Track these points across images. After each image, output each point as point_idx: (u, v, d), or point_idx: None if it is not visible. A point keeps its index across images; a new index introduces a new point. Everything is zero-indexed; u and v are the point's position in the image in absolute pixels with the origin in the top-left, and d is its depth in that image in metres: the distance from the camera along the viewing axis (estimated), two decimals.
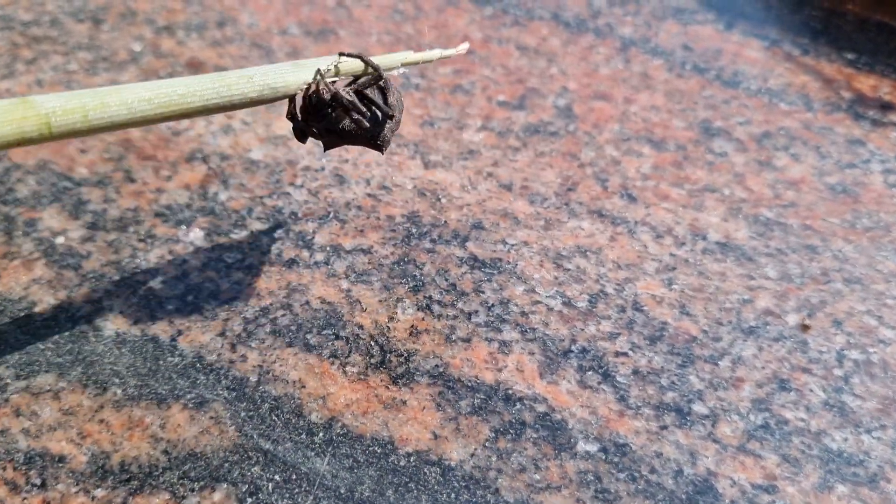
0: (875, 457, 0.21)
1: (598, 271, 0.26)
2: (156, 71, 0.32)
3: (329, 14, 0.35)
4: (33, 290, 0.25)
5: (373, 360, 0.23)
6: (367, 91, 0.21)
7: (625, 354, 0.23)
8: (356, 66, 0.22)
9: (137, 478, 0.21)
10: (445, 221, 0.27)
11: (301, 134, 0.22)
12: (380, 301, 0.25)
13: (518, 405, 0.22)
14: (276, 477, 0.21)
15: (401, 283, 0.25)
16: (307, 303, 0.24)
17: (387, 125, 0.21)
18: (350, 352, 0.23)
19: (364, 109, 0.21)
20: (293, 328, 0.24)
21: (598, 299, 0.25)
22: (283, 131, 0.30)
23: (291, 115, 0.21)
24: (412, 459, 0.21)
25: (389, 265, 0.26)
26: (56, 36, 0.33)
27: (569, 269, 0.26)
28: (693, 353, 0.24)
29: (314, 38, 0.34)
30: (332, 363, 0.23)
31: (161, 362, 0.23)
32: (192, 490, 0.20)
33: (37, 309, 0.24)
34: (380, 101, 0.21)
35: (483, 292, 0.25)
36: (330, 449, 0.21)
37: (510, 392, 0.23)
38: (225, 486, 0.21)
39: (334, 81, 0.21)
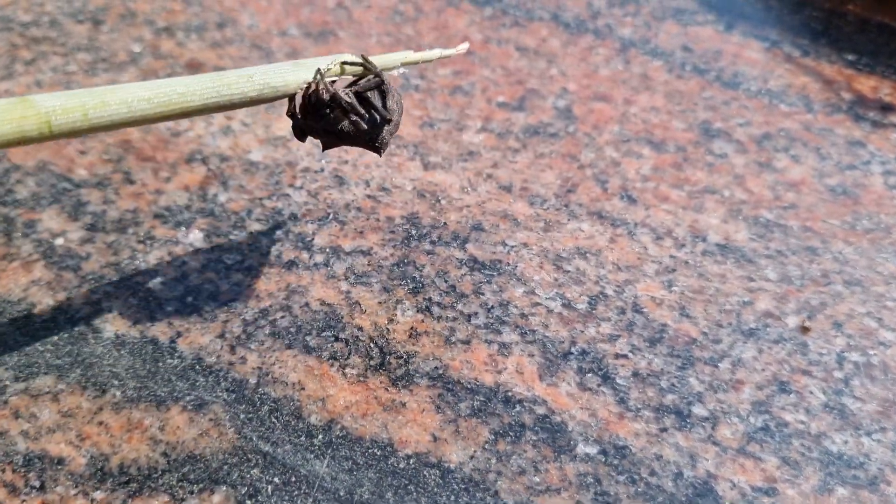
0: (875, 459, 0.21)
1: (597, 273, 0.26)
2: (155, 72, 0.32)
3: (329, 15, 0.35)
4: (32, 291, 0.24)
5: (372, 362, 0.23)
6: (367, 94, 0.21)
7: (624, 356, 0.23)
8: (357, 66, 0.22)
9: (136, 480, 0.21)
10: (445, 223, 0.27)
11: (300, 133, 0.22)
12: (379, 303, 0.25)
13: (518, 407, 0.22)
14: (276, 479, 0.21)
15: (400, 284, 0.25)
16: (307, 304, 0.24)
17: (385, 128, 0.21)
18: (349, 354, 0.23)
19: (362, 111, 0.21)
20: (293, 330, 0.24)
21: (597, 301, 0.25)
22: (283, 132, 0.30)
23: (291, 114, 0.22)
24: (412, 462, 0.21)
25: (389, 267, 0.26)
26: (55, 37, 0.33)
27: (568, 271, 0.26)
28: (693, 355, 0.24)
29: (314, 40, 0.34)
30: (332, 365, 0.23)
31: (160, 364, 0.23)
32: (192, 492, 0.20)
33: (36, 310, 0.24)
34: (379, 104, 0.21)
35: (483, 294, 0.25)
36: (329, 451, 0.21)
37: (510, 394, 0.23)
38: (224, 488, 0.21)
39: (334, 82, 0.21)
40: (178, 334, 0.24)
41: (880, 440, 0.22)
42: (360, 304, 0.25)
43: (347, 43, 0.33)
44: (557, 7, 0.36)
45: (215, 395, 0.22)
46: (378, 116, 0.21)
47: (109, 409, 0.22)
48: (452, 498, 0.20)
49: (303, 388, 0.22)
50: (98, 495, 0.20)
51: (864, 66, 0.33)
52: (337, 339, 0.24)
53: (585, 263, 0.26)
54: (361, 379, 0.23)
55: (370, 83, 0.21)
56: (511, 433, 0.22)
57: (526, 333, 0.24)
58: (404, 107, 0.31)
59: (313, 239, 0.26)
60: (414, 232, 0.27)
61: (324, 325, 0.24)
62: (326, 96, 0.21)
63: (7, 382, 0.22)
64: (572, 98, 0.31)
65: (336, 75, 0.21)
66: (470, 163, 0.29)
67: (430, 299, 0.25)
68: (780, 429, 0.22)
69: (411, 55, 0.23)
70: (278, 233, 0.26)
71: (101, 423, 0.22)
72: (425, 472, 0.21)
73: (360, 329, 0.24)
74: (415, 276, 0.25)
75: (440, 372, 0.23)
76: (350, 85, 0.21)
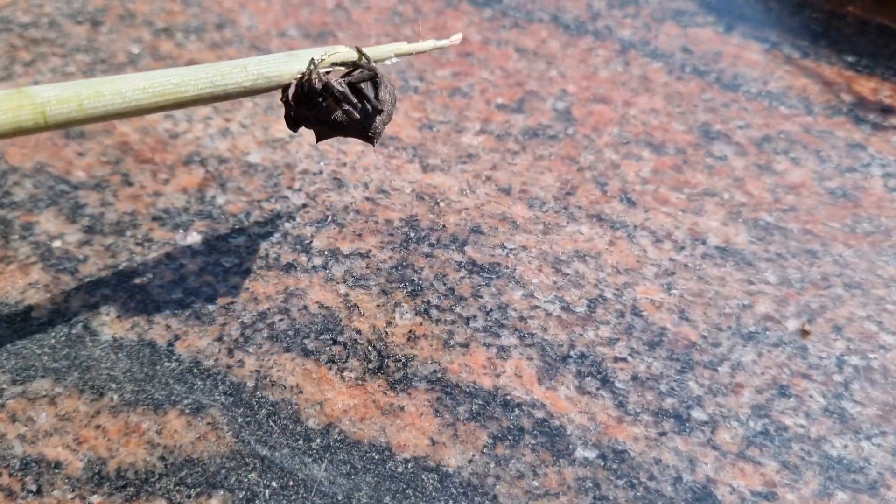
0: (875, 464, 0.21)
1: (596, 276, 0.25)
2: None
3: (328, 16, 0.35)
4: (30, 294, 0.24)
5: (370, 366, 0.23)
6: (360, 84, 0.21)
7: (624, 360, 0.23)
8: (350, 56, 0.22)
9: (134, 484, 0.21)
10: (444, 225, 0.27)
11: (293, 122, 0.22)
12: (378, 306, 0.25)
13: (516, 411, 0.22)
14: (273, 483, 0.21)
15: (399, 287, 0.25)
16: (305, 307, 0.24)
17: (378, 117, 0.21)
18: (348, 357, 0.23)
19: (355, 100, 0.21)
20: (291, 333, 0.24)
21: (596, 304, 0.25)
22: (282, 134, 0.30)
23: (285, 100, 0.22)
24: (410, 466, 0.21)
25: (387, 269, 0.25)
26: (54, 38, 0.33)
27: (567, 274, 0.26)
28: (692, 359, 0.23)
29: (313, 41, 0.33)
30: (330, 368, 0.23)
31: (158, 367, 0.23)
32: (189, 496, 0.20)
33: (33, 313, 0.24)
34: (371, 94, 0.21)
35: (481, 297, 0.25)
36: (327, 455, 0.21)
37: (508, 398, 0.22)
38: (222, 492, 0.20)
39: (328, 73, 0.21)
40: (176, 337, 0.24)
41: (880, 444, 0.22)
42: (358, 307, 0.24)
43: (346, 44, 0.33)
44: (557, 8, 0.36)
45: (213, 399, 0.22)
46: (370, 106, 0.21)
47: (107, 412, 0.22)
48: (451, 502, 0.20)
49: (301, 392, 0.22)
50: (95, 499, 0.20)
51: (865, 68, 0.33)
52: (335, 342, 0.24)
53: (584, 266, 0.26)
54: (359, 382, 0.23)
55: (363, 74, 0.21)
56: (510, 437, 0.22)
57: (525, 337, 0.24)
58: (403, 107, 0.31)
59: (312, 241, 0.26)
60: (413, 234, 0.27)
61: (322, 329, 0.24)
62: (319, 85, 0.21)
63: (4, 386, 0.22)
64: (572, 100, 0.31)
65: (330, 66, 0.22)
66: (469, 165, 0.29)
67: (428, 302, 0.25)
68: (780, 433, 0.22)
69: (405, 46, 0.23)
70: (276, 235, 0.26)
71: (98, 427, 0.22)
72: (423, 477, 0.21)
73: (359, 332, 0.24)
74: (413, 279, 0.25)
75: (438, 375, 0.23)
76: (344, 75, 0.22)
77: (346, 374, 0.23)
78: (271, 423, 0.22)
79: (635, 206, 0.28)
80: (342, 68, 0.22)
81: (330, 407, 0.22)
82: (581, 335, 0.24)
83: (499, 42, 0.34)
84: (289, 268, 0.25)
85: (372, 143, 0.22)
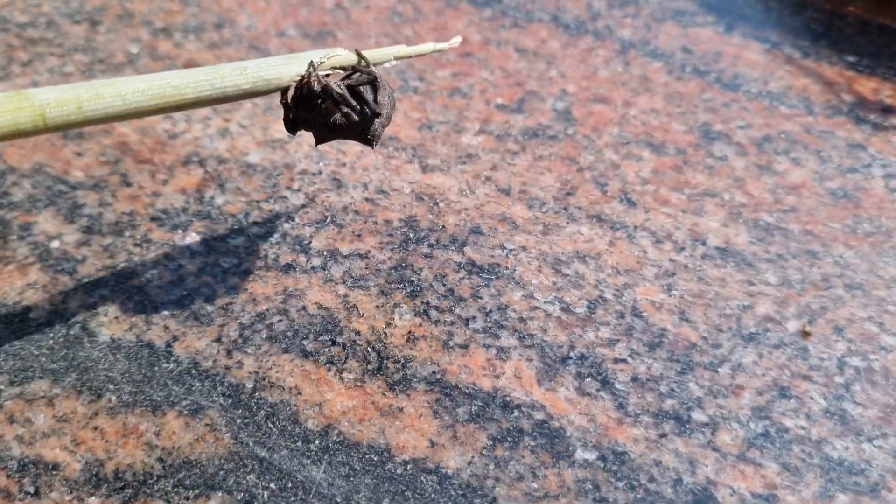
0: (876, 466, 0.21)
1: (596, 277, 0.25)
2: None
3: (327, 16, 0.35)
4: (28, 294, 0.24)
5: (370, 367, 0.23)
6: (359, 88, 0.21)
7: (624, 361, 0.23)
8: (350, 59, 0.22)
9: (132, 486, 0.20)
10: (443, 226, 0.27)
11: (292, 125, 0.22)
12: (377, 307, 0.24)
13: (516, 412, 0.22)
14: (272, 485, 0.21)
15: (398, 288, 0.25)
16: (304, 308, 0.24)
17: (377, 120, 0.21)
18: (347, 358, 0.23)
19: (354, 103, 0.21)
20: (289, 334, 0.24)
21: (596, 305, 0.25)
22: (281, 135, 0.30)
23: (284, 103, 0.22)
24: (409, 467, 0.21)
25: (387, 270, 0.25)
26: (52, 38, 0.33)
27: (567, 275, 0.25)
28: (692, 360, 0.23)
29: (312, 41, 0.33)
30: (329, 370, 0.23)
31: (156, 368, 0.23)
32: (187, 498, 0.20)
33: (31, 314, 0.24)
34: (370, 98, 0.21)
35: (481, 298, 0.25)
36: (326, 457, 0.21)
37: (508, 399, 0.22)
38: (220, 494, 0.20)
39: (328, 75, 0.22)
40: (175, 338, 0.23)
41: (882, 446, 0.22)
42: (357, 308, 0.24)
43: (346, 44, 0.33)
44: (557, 8, 0.36)
45: (211, 400, 0.22)
46: (368, 110, 0.21)
47: (105, 413, 0.22)
48: None
49: (299, 393, 0.22)
50: (93, 501, 0.20)
51: (865, 68, 0.33)
52: (334, 343, 0.23)
53: (584, 267, 0.26)
54: (358, 384, 0.23)
55: (362, 79, 0.21)
56: (509, 439, 0.22)
57: (524, 338, 0.24)
58: (402, 108, 0.31)
59: (311, 242, 0.26)
60: (412, 235, 0.26)
61: (321, 330, 0.24)
62: (318, 87, 0.21)
63: (2, 387, 0.22)
64: (572, 100, 0.31)
65: (330, 69, 0.22)
66: (468, 165, 0.29)
67: (427, 303, 0.24)
68: (781, 435, 0.22)
69: (404, 49, 0.23)
70: (275, 236, 0.26)
71: (96, 428, 0.21)
72: (422, 478, 0.21)
73: (358, 333, 0.24)
74: (413, 280, 0.25)
75: (438, 377, 0.23)
76: (343, 78, 0.22)
77: (345, 375, 0.23)
78: (270, 425, 0.22)
79: (635, 207, 0.28)
80: (341, 71, 0.22)
81: (329, 408, 0.22)
82: (581, 336, 0.24)
83: (498, 42, 0.34)
84: (288, 268, 0.25)
85: (371, 145, 0.22)
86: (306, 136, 0.29)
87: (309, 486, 0.21)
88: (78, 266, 0.25)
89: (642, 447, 0.21)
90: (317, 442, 0.21)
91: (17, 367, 0.23)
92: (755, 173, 0.29)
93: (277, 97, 0.29)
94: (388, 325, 0.24)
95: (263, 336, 0.24)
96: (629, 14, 0.36)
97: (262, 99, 0.31)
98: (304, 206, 0.27)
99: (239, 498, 0.20)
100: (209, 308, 0.24)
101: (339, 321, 0.24)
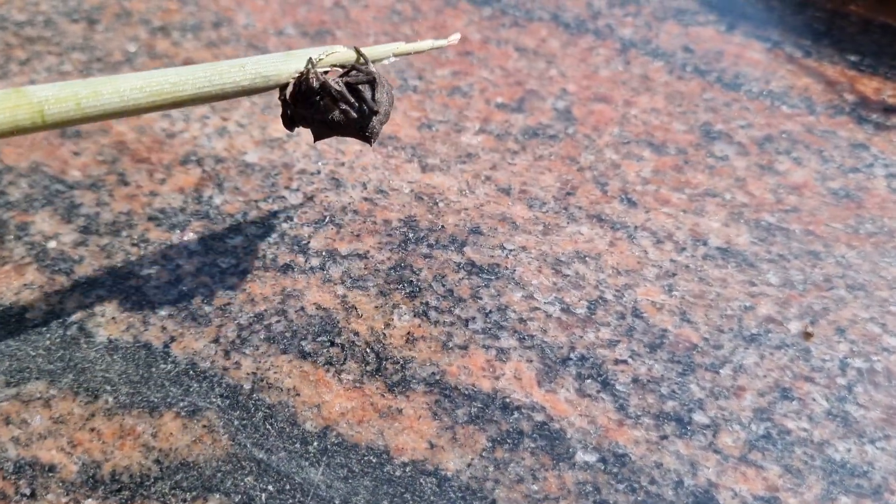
0: (879, 468, 0.21)
1: (597, 277, 0.25)
2: None
3: (326, 15, 0.35)
4: (24, 295, 0.24)
5: (368, 368, 0.23)
6: (358, 85, 0.21)
7: (624, 362, 0.23)
8: (349, 56, 0.22)
9: (129, 488, 0.20)
10: (443, 226, 0.27)
11: (290, 121, 0.22)
12: (376, 307, 0.24)
13: (516, 414, 0.22)
14: (270, 487, 0.20)
15: (397, 288, 0.25)
16: (302, 309, 0.24)
17: (375, 118, 0.21)
18: (345, 359, 0.23)
19: (352, 100, 0.21)
20: (288, 335, 0.23)
21: (597, 306, 0.24)
22: (279, 134, 0.29)
23: (283, 99, 0.22)
24: (408, 469, 0.21)
25: (386, 271, 0.25)
26: (50, 36, 0.33)
27: (567, 275, 0.25)
28: (694, 361, 0.23)
29: (311, 39, 0.33)
30: (328, 371, 0.23)
31: (153, 369, 0.23)
32: (185, 500, 0.20)
33: (28, 314, 0.24)
34: (368, 95, 0.21)
35: (480, 298, 0.25)
36: (324, 458, 0.21)
37: (508, 400, 0.22)
38: (217, 496, 0.20)
39: (326, 72, 0.22)
40: (172, 339, 0.23)
41: (884, 448, 0.21)
42: (356, 309, 0.24)
43: (345, 43, 0.33)
44: (557, 7, 0.36)
45: (209, 401, 0.22)
46: (366, 107, 0.21)
47: (102, 415, 0.22)
48: None
49: (298, 395, 0.22)
50: (89, 503, 0.20)
51: (867, 68, 0.33)
52: (333, 344, 0.23)
53: (585, 267, 0.26)
54: (357, 385, 0.22)
55: (361, 76, 0.21)
56: (509, 440, 0.21)
57: (524, 339, 0.24)
58: (400, 107, 0.30)
59: (309, 242, 0.26)
60: (411, 235, 0.26)
61: (319, 330, 0.24)
62: (316, 84, 0.21)
63: None
64: (572, 99, 0.31)
65: (329, 66, 0.22)
66: (468, 165, 0.29)
67: (427, 304, 0.24)
68: (783, 436, 0.22)
69: (403, 46, 0.23)
70: (274, 236, 0.26)
71: (93, 430, 0.21)
72: (422, 480, 0.21)
73: (357, 334, 0.24)
74: (412, 280, 0.25)
75: (437, 378, 0.23)
76: (342, 76, 0.22)
77: (343, 376, 0.23)
78: (268, 426, 0.22)
79: (636, 207, 0.27)
80: (340, 68, 0.22)
81: (327, 409, 0.22)
82: (581, 337, 0.24)
83: (498, 41, 0.34)
84: (286, 268, 0.25)
85: (369, 142, 0.22)
86: (305, 135, 0.29)
87: (307, 488, 0.20)
88: (75, 266, 0.25)
89: (643, 449, 0.21)
90: (315, 443, 0.21)
91: (13, 368, 0.23)
92: (756, 173, 0.29)
93: (276, 95, 0.29)
94: (387, 325, 0.24)
95: (261, 337, 0.23)
96: (630, 13, 0.36)
97: (260, 97, 0.31)
98: (302, 205, 0.27)
99: (237, 500, 0.20)
100: (207, 308, 0.24)
101: (338, 322, 0.24)
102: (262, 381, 0.22)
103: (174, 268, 0.25)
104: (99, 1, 0.35)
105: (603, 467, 0.21)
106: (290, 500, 0.20)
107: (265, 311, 0.24)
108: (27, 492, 0.20)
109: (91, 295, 0.24)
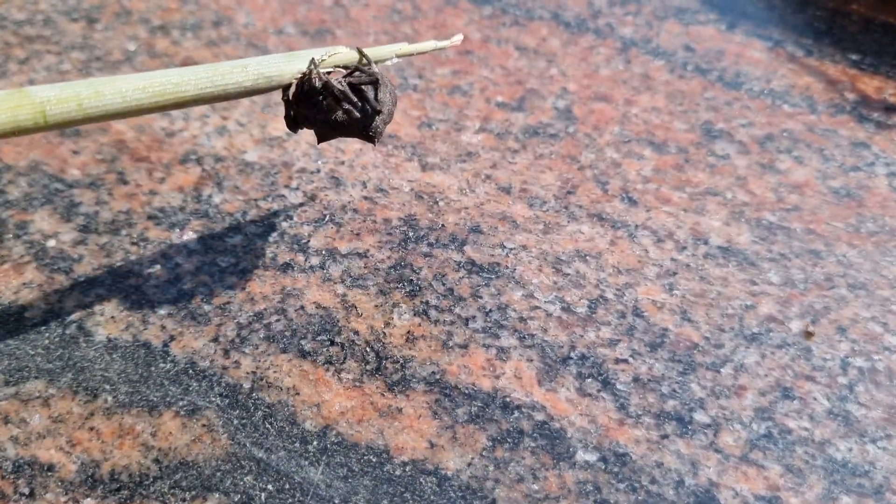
0: (880, 467, 0.21)
1: (597, 276, 0.25)
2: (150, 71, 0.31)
3: (326, 14, 0.35)
4: (23, 293, 0.24)
5: (368, 367, 0.23)
6: (361, 86, 0.21)
7: (625, 361, 0.23)
8: (351, 57, 0.22)
9: (128, 487, 0.20)
10: (443, 225, 0.27)
11: (293, 122, 0.22)
12: (376, 306, 0.24)
13: (516, 413, 0.22)
14: (269, 486, 0.20)
15: (397, 287, 0.25)
16: (302, 308, 0.24)
17: (378, 117, 0.21)
18: (345, 358, 0.23)
19: (355, 100, 0.21)
20: (287, 334, 0.23)
21: (597, 305, 0.24)
22: (279, 133, 0.29)
23: (286, 100, 0.22)
24: (408, 469, 0.21)
25: (386, 269, 0.25)
26: (49, 35, 0.33)
27: (568, 274, 0.25)
28: (694, 361, 0.23)
29: (311, 38, 0.33)
30: (327, 370, 0.23)
31: (153, 368, 0.23)
32: (184, 500, 0.20)
33: (27, 313, 0.24)
34: (371, 95, 0.21)
35: (481, 297, 0.24)
36: (324, 458, 0.21)
37: (508, 400, 0.22)
38: (217, 495, 0.20)
39: (329, 73, 0.21)
40: (172, 338, 0.23)
41: (886, 447, 0.21)
42: (356, 308, 0.24)
43: (345, 42, 0.33)
44: (558, 6, 0.36)
45: (208, 401, 0.22)
46: (369, 107, 0.21)
47: (101, 414, 0.22)
48: None
49: (297, 394, 0.22)
50: (88, 503, 0.20)
51: (868, 66, 0.33)
52: (332, 343, 0.23)
53: (585, 266, 0.25)
54: (357, 384, 0.22)
55: (364, 76, 0.21)
56: (509, 440, 0.21)
57: (524, 338, 0.24)
58: (402, 106, 0.30)
59: (309, 241, 0.26)
60: (411, 234, 0.26)
61: (319, 329, 0.24)
62: (319, 84, 0.21)
63: None
64: (572, 98, 0.31)
65: (331, 66, 0.22)
66: (468, 164, 0.28)
67: (427, 303, 0.24)
68: (784, 436, 0.22)
69: (406, 46, 0.23)
70: (273, 235, 0.26)
71: (92, 429, 0.21)
72: (422, 480, 0.21)
73: (356, 333, 0.24)
74: (412, 279, 0.25)
75: (437, 377, 0.23)
76: (345, 76, 0.22)
77: (343, 375, 0.23)
78: (267, 426, 0.21)
79: (637, 206, 0.27)
80: (343, 69, 0.22)
81: (327, 409, 0.22)
82: (582, 336, 0.24)
83: (499, 40, 0.34)
84: (286, 267, 0.25)
85: (373, 142, 0.22)
86: (305, 134, 0.29)
87: (307, 488, 0.20)
88: (74, 265, 0.25)
89: (644, 448, 0.21)
90: (315, 443, 0.21)
91: (12, 367, 0.22)
92: (757, 172, 0.29)
93: (277, 95, 0.29)
94: (387, 324, 0.24)
95: (261, 336, 0.23)
96: (630, 12, 0.35)
97: (260, 97, 0.30)
98: (302, 204, 0.27)
99: (236, 499, 0.20)
100: (206, 307, 0.24)
101: (338, 321, 0.24)
102: (261, 380, 0.22)
103: (173, 267, 0.25)
104: (98, 0, 0.35)
105: (603, 467, 0.21)
106: (290, 500, 0.20)
107: (265, 310, 0.24)
108: (26, 491, 0.20)
109: (90, 294, 0.24)
